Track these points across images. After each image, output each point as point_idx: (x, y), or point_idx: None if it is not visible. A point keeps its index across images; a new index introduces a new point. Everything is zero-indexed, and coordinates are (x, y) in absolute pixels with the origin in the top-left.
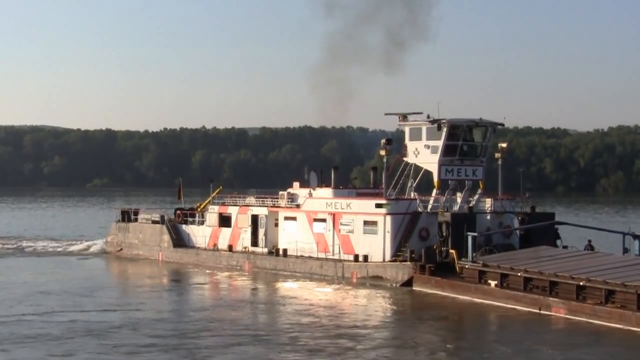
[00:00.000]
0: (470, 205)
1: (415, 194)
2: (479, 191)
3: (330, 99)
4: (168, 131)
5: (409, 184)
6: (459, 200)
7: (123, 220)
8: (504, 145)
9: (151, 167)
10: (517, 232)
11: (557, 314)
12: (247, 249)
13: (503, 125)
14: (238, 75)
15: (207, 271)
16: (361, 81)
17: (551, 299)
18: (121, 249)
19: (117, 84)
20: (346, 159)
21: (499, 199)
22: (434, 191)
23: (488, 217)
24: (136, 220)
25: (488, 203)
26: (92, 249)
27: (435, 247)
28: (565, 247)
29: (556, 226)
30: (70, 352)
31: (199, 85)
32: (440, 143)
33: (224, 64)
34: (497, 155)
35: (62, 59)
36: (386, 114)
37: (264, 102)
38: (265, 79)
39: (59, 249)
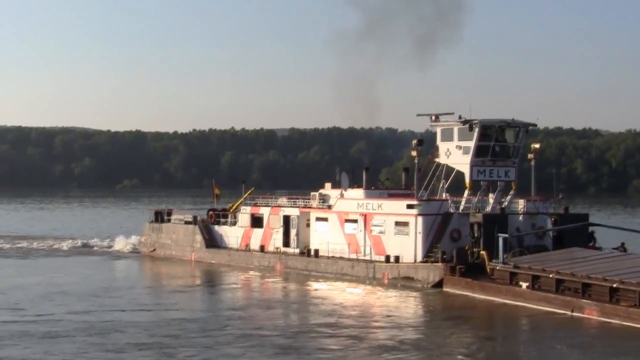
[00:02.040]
0: (503, 206)
1: (447, 194)
2: (512, 192)
3: (359, 100)
4: (197, 132)
5: (441, 185)
6: (491, 201)
7: (156, 220)
8: (537, 146)
9: (180, 168)
10: (550, 233)
11: (590, 316)
12: (278, 250)
13: (535, 125)
14: (267, 77)
15: (239, 272)
16: (390, 81)
17: (584, 301)
18: (154, 249)
19: (146, 86)
20: (375, 160)
21: (532, 200)
22: (466, 192)
23: (520, 218)
24: (169, 220)
25: (521, 204)
26: (124, 249)
27: (466, 248)
28: (599, 248)
29: (591, 228)
30: (83, 350)
31: (228, 87)
32: (472, 144)
33: (254, 66)
34: (530, 156)
35: (92, 61)
36: (418, 115)
37: (292, 103)
38: (294, 80)
39: (93, 249)
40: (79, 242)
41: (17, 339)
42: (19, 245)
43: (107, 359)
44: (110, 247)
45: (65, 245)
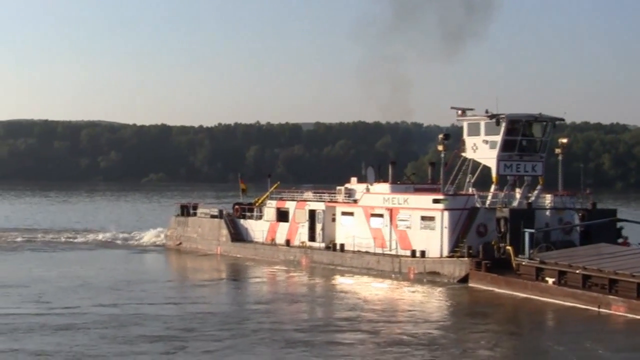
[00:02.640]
0: (530, 201)
1: (473, 189)
2: (539, 187)
3: (388, 95)
4: (222, 126)
5: (467, 180)
6: (517, 196)
7: (182, 214)
8: (565, 140)
9: (205, 162)
10: (578, 228)
11: (617, 312)
12: (304, 244)
13: (563, 120)
14: (292, 71)
15: (265, 266)
16: (416, 76)
17: (611, 297)
18: (180, 243)
19: (172, 80)
20: (400, 155)
21: (559, 195)
22: (492, 187)
23: (547, 213)
24: (195, 214)
25: (548, 199)
26: (150, 243)
27: (493, 243)
28: (627, 244)
29: (619, 224)
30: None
31: (253, 81)
32: (498, 138)
33: (279, 59)
34: (557, 150)
35: (118, 54)
36: (452, 108)
37: (317, 97)
38: (319, 74)
39: (118, 242)
40: (105, 236)
41: (33, 331)
42: (44, 238)
43: (116, 351)
44: (136, 240)
45: (90, 238)
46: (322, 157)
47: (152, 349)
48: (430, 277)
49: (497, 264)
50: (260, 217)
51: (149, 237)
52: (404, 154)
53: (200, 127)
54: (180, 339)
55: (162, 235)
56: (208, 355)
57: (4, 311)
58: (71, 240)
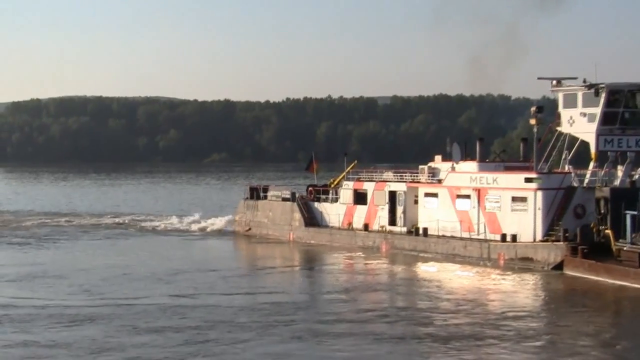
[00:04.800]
0: (633, 179)
1: (570, 167)
2: None
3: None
4: (291, 101)
5: (563, 156)
6: (619, 174)
7: (251, 197)
8: None
9: (272, 141)
10: None
11: None
12: (384, 228)
13: None
14: (366, 40)
15: (341, 252)
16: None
17: None
18: (250, 229)
19: (236, 52)
20: (486, 130)
21: None
22: (591, 164)
23: None
24: (265, 197)
25: None
26: (217, 228)
27: (592, 226)
28: None
29: None
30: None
31: (323, 52)
32: (598, 110)
33: (351, 27)
34: None
35: (177, 25)
36: (539, 78)
37: (394, 68)
38: (396, 43)
39: (182, 227)
40: (168, 221)
41: (57, 322)
42: (100, 223)
43: (125, 342)
44: (199, 226)
45: (155, 223)
46: (399, 133)
47: (168, 339)
48: (522, 264)
49: (595, 249)
50: (336, 200)
51: (215, 222)
52: (490, 130)
53: (267, 102)
54: (206, 328)
55: (229, 221)
56: (219, 348)
57: (53, 302)
58: (130, 225)
